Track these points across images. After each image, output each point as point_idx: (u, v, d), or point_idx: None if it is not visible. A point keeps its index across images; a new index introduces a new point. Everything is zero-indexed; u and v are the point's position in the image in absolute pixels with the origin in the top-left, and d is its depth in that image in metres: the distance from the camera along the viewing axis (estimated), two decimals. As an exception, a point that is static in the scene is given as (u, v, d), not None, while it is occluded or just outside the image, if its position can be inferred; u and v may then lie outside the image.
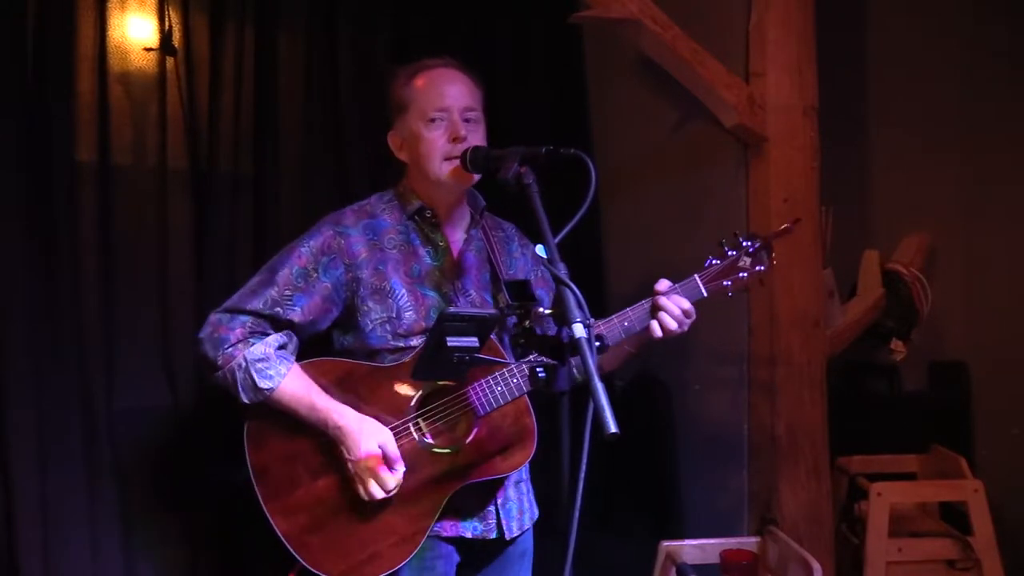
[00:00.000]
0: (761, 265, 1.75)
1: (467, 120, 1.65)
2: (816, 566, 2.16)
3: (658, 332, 1.64)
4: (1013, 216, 3.08)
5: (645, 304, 1.66)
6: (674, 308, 1.63)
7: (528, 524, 1.78)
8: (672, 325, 1.63)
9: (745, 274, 1.73)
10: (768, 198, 2.53)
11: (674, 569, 2.39)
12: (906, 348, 3.16)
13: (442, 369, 1.32)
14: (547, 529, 1.84)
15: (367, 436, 1.56)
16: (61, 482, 2.03)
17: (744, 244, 1.74)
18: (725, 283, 1.72)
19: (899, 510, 2.70)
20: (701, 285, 1.70)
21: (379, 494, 1.55)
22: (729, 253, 1.73)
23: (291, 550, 1.60)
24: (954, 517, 2.78)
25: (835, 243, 3.02)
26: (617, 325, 1.64)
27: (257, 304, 1.61)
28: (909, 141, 3.29)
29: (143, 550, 2.16)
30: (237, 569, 2.24)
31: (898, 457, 3.00)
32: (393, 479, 1.56)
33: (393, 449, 1.57)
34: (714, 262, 1.73)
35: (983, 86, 3.13)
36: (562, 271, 1.24)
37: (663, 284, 1.67)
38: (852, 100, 3.33)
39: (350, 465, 1.57)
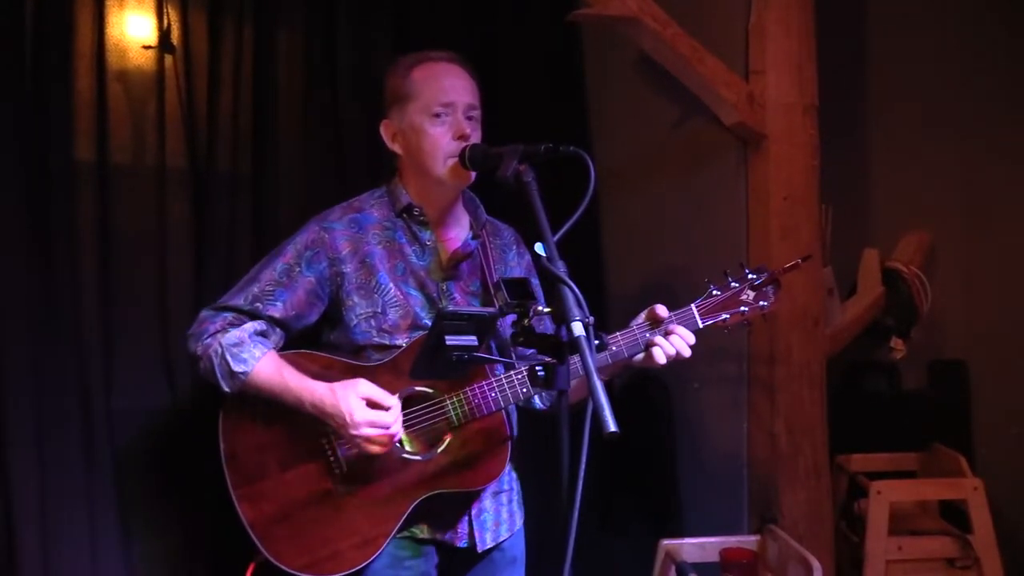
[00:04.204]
0: (765, 301, 1.66)
1: (469, 118, 1.63)
2: (816, 564, 2.16)
3: (661, 360, 1.57)
4: (1013, 215, 3.08)
5: (635, 330, 1.61)
6: (670, 348, 1.57)
7: (506, 534, 1.75)
8: (669, 353, 1.58)
9: (746, 308, 1.65)
10: (768, 196, 2.53)
11: (674, 568, 2.39)
12: (906, 346, 3.16)
13: (441, 368, 1.32)
14: (546, 529, 1.83)
15: (344, 395, 1.53)
16: (61, 482, 2.03)
17: (749, 276, 1.67)
18: (723, 316, 1.64)
19: (899, 508, 2.70)
20: (697, 316, 1.63)
21: (387, 441, 1.52)
22: (732, 284, 1.65)
23: (254, 539, 1.60)
24: (954, 515, 2.78)
25: (835, 241, 3.02)
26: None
27: (239, 301, 1.63)
28: (909, 139, 3.29)
29: (143, 550, 2.16)
30: (236, 568, 2.24)
31: (898, 455, 3.00)
32: (391, 416, 1.52)
33: (377, 392, 1.54)
34: (715, 292, 1.65)
35: (983, 84, 3.12)
36: (561, 269, 1.23)
37: (661, 310, 1.60)
38: (852, 98, 3.32)
39: (344, 432, 1.54)
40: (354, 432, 1.52)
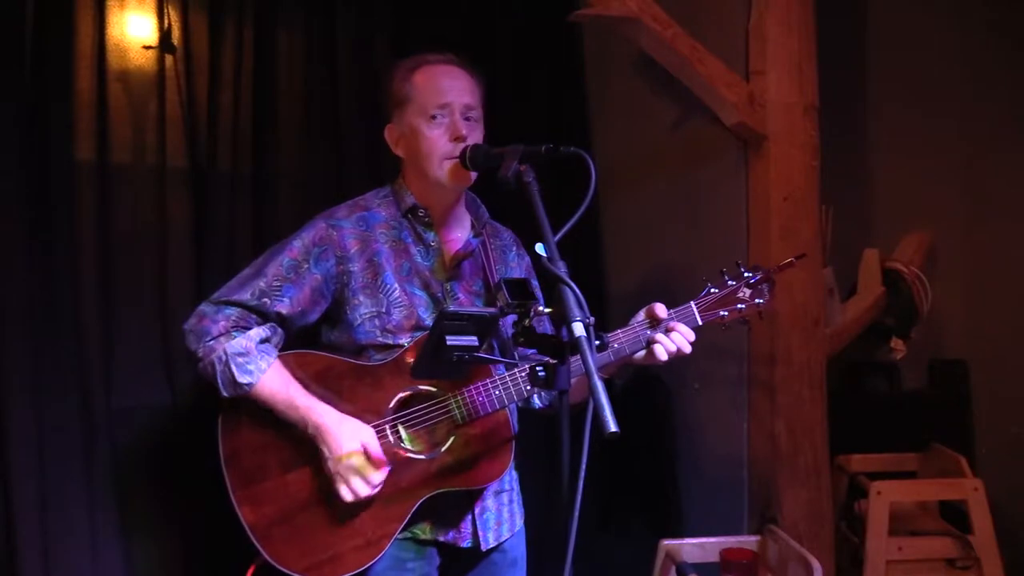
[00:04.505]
0: (761, 298, 1.71)
1: (467, 119, 1.63)
2: (816, 565, 2.16)
3: (663, 356, 1.60)
4: (1014, 215, 3.08)
5: (637, 328, 1.62)
6: (671, 344, 1.60)
7: (507, 534, 1.75)
8: (670, 350, 1.60)
9: (743, 306, 1.70)
10: (768, 196, 2.53)
11: (674, 568, 2.39)
12: (906, 346, 3.16)
13: (442, 368, 1.32)
14: (547, 528, 1.83)
15: (348, 435, 1.54)
16: (61, 482, 2.03)
17: (745, 275, 1.71)
18: (722, 313, 1.68)
19: (899, 509, 2.70)
20: (697, 313, 1.66)
21: (362, 492, 1.54)
22: (729, 283, 1.70)
23: (254, 541, 1.59)
24: (954, 515, 2.78)
25: (835, 242, 3.02)
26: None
27: (244, 295, 1.60)
28: (909, 139, 3.29)
29: (143, 549, 2.16)
30: (237, 569, 2.24)
31: (898, 455, 3.00)
32: (377, 476, 1.54)
33: (376, 448, 1.55)
34: (712, 290, 1.69)
35: (984, 85, 3.12)
36: (562, 269, 1.23)
37: (660, 309, 1.62)
38: (852, 98, 3.32)
39: (330, 464, 1.54)
40: (337, 470, 1.54)
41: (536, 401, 1.79)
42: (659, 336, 1.60)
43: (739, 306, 1.70)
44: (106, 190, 2.16)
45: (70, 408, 2.07)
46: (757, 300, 1.71)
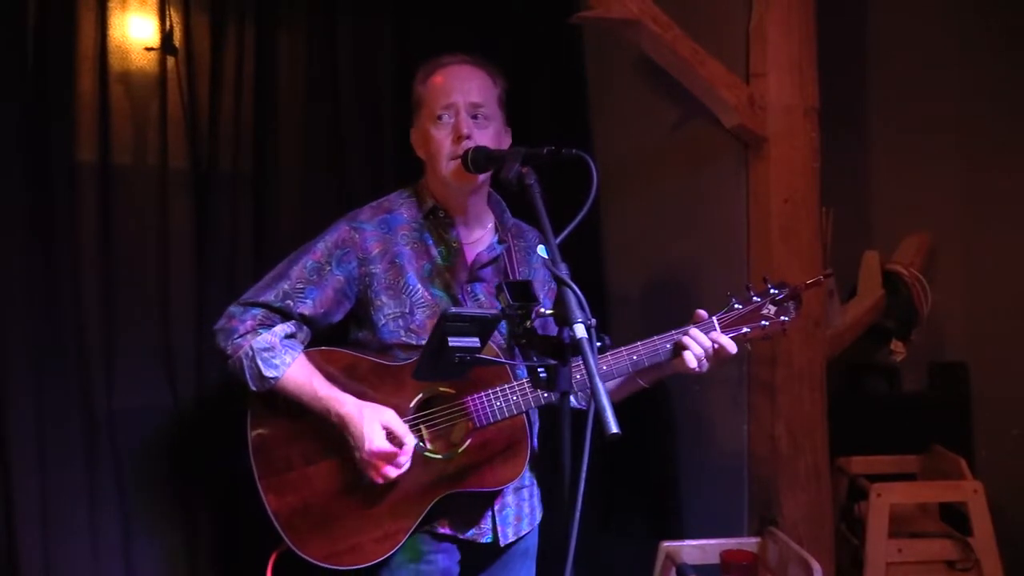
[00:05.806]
0: (786, 315, 1.69)
1: (475, 117, 1.64)
2: (816, 566, 2.16)
3: (692, 364, 1.61)
4: (1013, 216, 3.08)
5: (656, 340, 1.64)
6: (698, 348, 1.61)
7: (527, 528, 1.77)
8: (693, 363, 1.61)
9: (767, 323, 1.68)
10: (768, 198, 2.53)
11: (674, 569, 2.39)
12: (906, 349, 3.16)
13: (443, 369, 1.32)
14: (549, 529, 1.84)
15: (369, 419, 1.56)
16: (61, 482, 2.04)
17: (772, 291, 1.69)
18: (744, 329, 1.66)
19: (899, 510, 2.70)
20: (718, 329, 1.65)
21: (392, 473, 1.56)
22: (754, 299, 1.69)
23: (278, 528, 1.63)
24: (954, 518, 2.78)
25: (835, 244, 3.02)
26: (625, 358, 1.63)
27: (269, 297, 1.64)
28: (909, 141, 3.29)
29: (143, 549, 2.16)
30: (237, 568, 2.24)
31: (898, 458, 3.00)
32: (403, 456, 1.57)
33: (398, 424, 1.58)
34: (736, 306, 1.68)
35: (983, 86, 3.13)
36: (564, 271, 1.24)
37: (701, 313, 1.65)
38: (853, 100, 3.32)
39: (357, 453, 1.57)
40: (364, 457, 1.56)
41: (572, 400, 1.78)
42: (686, 340, 1.62)
43: (763, 323, 1.68)
44: (107, 191, 2.16)
45: (70, 408, 2.08)
46: (782, 317, 1.68)
